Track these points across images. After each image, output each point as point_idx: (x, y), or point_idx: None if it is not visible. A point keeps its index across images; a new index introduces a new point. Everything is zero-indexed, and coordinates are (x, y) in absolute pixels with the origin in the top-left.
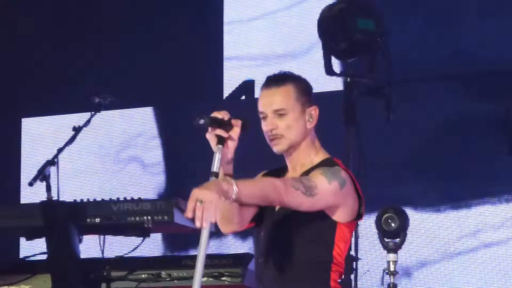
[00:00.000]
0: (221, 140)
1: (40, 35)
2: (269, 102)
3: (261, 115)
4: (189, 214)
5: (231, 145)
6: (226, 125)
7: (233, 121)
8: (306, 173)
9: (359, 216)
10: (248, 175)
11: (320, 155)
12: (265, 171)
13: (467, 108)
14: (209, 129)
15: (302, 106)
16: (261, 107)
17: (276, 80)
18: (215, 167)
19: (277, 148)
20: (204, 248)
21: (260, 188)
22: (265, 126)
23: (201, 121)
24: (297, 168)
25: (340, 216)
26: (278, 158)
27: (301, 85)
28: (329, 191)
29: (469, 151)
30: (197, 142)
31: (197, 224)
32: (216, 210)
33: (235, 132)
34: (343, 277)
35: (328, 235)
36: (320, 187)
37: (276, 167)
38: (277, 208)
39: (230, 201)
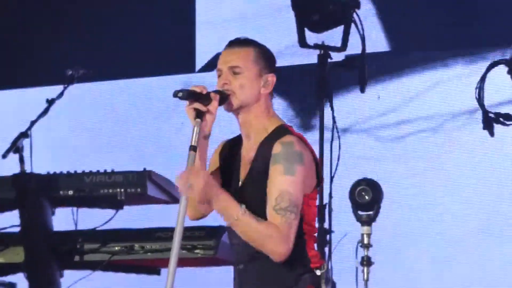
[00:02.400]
0: (199, 114)
1: (13, 6)
2: (226, 59)
3: (218, 72)
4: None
5: (209, 119)
6: (204, 99)
7: (212, 95)
8: (261, 147)
9: (319, 181)
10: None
11: (273, 121)
12: (221, 144)
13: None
14: (187, 102)
15: (259, 70)
16: (219, 64)
17: (238, 42)
18: (193, 140)
19: (226, 105)
20: (183, 217)
21: (257, 234)
22: (218, 81)
23: (180, 95)
24: (251, 135)
25: (305, 189)
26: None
27: (263, 51)
28: (299, 182)
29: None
30: (171, 115)
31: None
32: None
33: (213, 106)
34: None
35: None
36: (293, 189)
37: (233, 137)
38: (239, 184)
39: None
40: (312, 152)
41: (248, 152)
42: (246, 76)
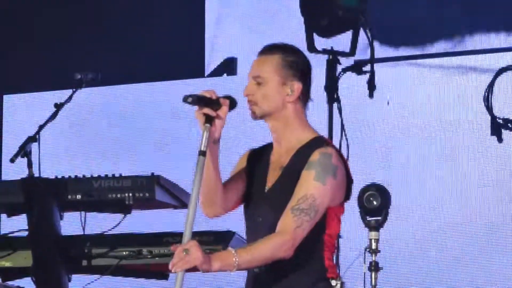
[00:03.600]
0: (208, 119)
1: (22, 10)
2: (252, 69)
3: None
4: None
5: (219, 124)
6: (214, 104)
7: (221, 100)
8: (296, 155)
9: (347, 197)
10: (232, 155)
11: (307, 131)
12: (249, 150)
13: (450, 86)
14: (197, 107)
15: (283, 78)
16: (249, 73)
17: (266, 49)
18: (202, 145)
19: (251, 114)
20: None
21: (264, 258)
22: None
23: (189, 100)
24: (282, 142)
25: (332, 201)
26: (262, 139)
27: (290, 58)
28: (327, 192)
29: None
30: (180, 120)
31: (170, 266)
32: (188, 265)
33: (223, 111)
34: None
35: (318, 223)
36: (318, 195)
37: (261, 145)
38: (266, 188)
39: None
40: (347, 167)
41: (278, 157)
42: (269, 86)
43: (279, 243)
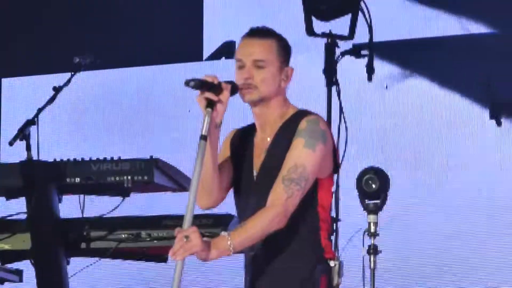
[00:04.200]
0: (210, 104)
1: None
2: (250, 51)
3: (238, 63)
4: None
5: (220, 108)
6: (215, 89)
7: (223, 85)
8: (280, 130)
9: (336, 169)
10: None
11: (291, 109)
12: (233, 131)
13: (449, 71)
14: (199, 92)
15: (280, 64)
16: (240, 55)
17: (260, 32)
18: (204, 130)
19: (248, 97)
20: (178, 280)
21: (258, 234)
22: (240, 74)
23: (191, 84)
24: (266, 127)
25: (322, 171)
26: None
27: (283, 43)
28: (317, 159)
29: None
30: (178, 103)
31: (170, 254)
32: (188, 253)
33: (225, 95)
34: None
35: (310, 194)
36: (308, 164)
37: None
38: (254, 173)
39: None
40: (332, 137)
41: (262, 140)
42: (269, 71)
43: (272, 216)
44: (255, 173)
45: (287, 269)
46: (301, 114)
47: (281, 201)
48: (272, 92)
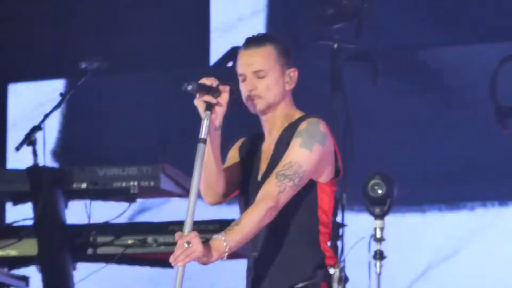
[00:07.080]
0: (209, 106)
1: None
2: (248, 63)
3: (240, 77)
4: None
5: (219, 111)
6: (214, 91)
7: (221, 87)
8: (283, 132)
9: (338, 172)
10: (226, 142)
11: (296, 114)
12: (242, 139)
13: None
14: (197, 95)
15: (281, 67)
16: (240, 68)
17: (255, 41)
18: (203, 133)
19: (255, 107)
20: (179, 286)
21: (252, 230)
22: (244, 87)
23: (189, 87)
24: (273, 132)
25: (322, 175)
26: (254, 125)
27: (281, 46)
28: (313, 158)
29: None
30: (184, 109)
31: (171, 260)
32: (190, 259)
33: (224, 98)
34: (331, 240)
35: (310, 197)
36: (304, 162)
37: (253, 134)
38: (259, 177)
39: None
40: (334, 143)
41: (269, 145)
42: (271, 78)
43: (263, 211)
44: (259, 177)
45: (291, 270)
46: (304, 117)
47: (273, 195)
48: (277, 97)
